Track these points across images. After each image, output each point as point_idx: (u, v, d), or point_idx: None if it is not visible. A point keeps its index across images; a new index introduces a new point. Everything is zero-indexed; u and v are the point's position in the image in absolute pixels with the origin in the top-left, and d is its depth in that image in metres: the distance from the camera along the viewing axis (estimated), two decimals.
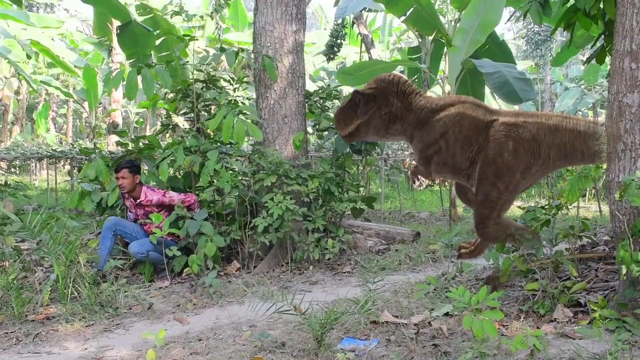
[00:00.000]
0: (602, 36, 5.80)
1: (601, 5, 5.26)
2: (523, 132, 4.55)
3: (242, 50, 6.65)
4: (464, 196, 5.21)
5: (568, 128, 4.50)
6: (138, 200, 6.45)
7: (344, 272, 6.49)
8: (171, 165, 6.42)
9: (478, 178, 4.54)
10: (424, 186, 16.22)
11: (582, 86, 33.60)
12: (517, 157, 4.45)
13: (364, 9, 13.08)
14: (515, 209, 7.77)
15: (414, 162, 5.35)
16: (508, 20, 9.55)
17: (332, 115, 7.64)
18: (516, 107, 17.77)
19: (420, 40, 12.69)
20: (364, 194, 9.35)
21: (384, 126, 4.86)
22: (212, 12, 13.23)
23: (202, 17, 16.99)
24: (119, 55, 17.86)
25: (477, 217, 4.61)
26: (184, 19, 8.70)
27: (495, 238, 4.66)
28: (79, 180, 7.03)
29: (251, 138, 6.94)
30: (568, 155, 4.53)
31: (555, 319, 4.38)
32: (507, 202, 4.62)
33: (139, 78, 6.60)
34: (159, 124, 8.62)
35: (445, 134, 4.62)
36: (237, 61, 6.66)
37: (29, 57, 16.64)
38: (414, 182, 5.67)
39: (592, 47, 6.27)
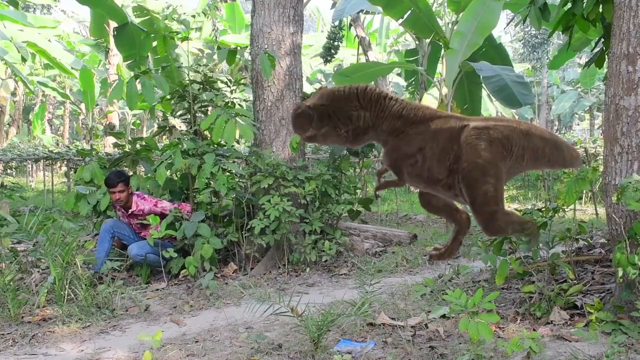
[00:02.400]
0: (601, 40, 5.81)
1: (600, 10, 5.28)
2: (494, 133, 4.55)
3: (240, 48, 6.63)
4: (429, 206, 5.11)
5: (537, 134, 4.54)
6: (130, 211, 6.40)
7: (341, 274, 6.49)
8: (169, 168, 6.41)
9: (467, 186, 4.50)
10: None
11: (579, 89, 33.71)
12: (492, 151, 4.45)
13: (362, 11, 13.10)
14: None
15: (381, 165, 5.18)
16: (507, 25, 9.57)
17: None
18: (513, 111, 17.80)
19: (417, 42, 12.72)
20: (360, 196, 9.35)
21: (349, 140, 4.54)
22: (205, 11, 13.22)
23: (194, 16, 16.95)
24: (115, 56, 17.87)
25: (484, 217, 4.52)
26: (176, 20, 8.69)
27: (504, 230, 4.59)
28: (75, 183, 7.01)
29: (248, 140, 6.92)
30: (538, 158, 4.56)
31: (551, 321, 4.39)
32: (502, 190, 4.62)
33: (138, 86, 6.58)
34: (156, 125, 8.65)
35: (422, 149, 4.55)
36: (234, 63, 6.64)
37: (24, 59, 16.61)
38: (376, 197, 5.43)
39: (592, 50, 6.28)
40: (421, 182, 4.79)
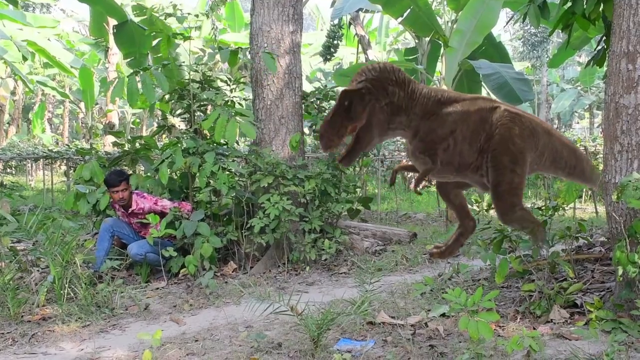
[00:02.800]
0: (603, 38, 5.80)
1: (601, 8, 5.27)
2: (526, 121, 4.53)
3: (241, 49, 6.62)
4: (445, 197, 5.10)
5: (557, 136, 4.54)
6: (130, 210, 6.38)
7: (341, 273, 6.49)
8: (170, 167, 6.40)
9: (495, 168, 4.44)
10: (421, 186, 16.23)
11: (579, 87, 33.70)
12: (524, 140, 4.41)
13: (361, 9, 13.09)
14: None
15: (405, 162, 5.16)
16: (507, 23, 9.56)
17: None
18: None
19: (417, 41, 12.69)
20: (360, 194, 9.35)
21: (387, 120, 4.50)
22: (207, 13, 13.21)
23: (197, 15, 16.93)
24: (115, 55, 17.86)
25: (504, 206, 4.47)
26: (177, 18, 8.67)
27: (520, 224, 4.55)
28: (74, 182, 6.99)
29: (248, 139, 6.91)
30: (556, 159, 4.54)
31: (551, 319, 4.39)
32: (525, 184, 4.60)
33: (139, 84, 6.57)
34: (156, 124, 8.62)
35: (454, 132, 4.52)
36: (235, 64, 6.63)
37: (24, 58, 16.61)
38: (392, 183, 5.38)
39: (595, 49, 6.27)
40: (452, 170, 4.75)
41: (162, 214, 6.28)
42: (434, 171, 4.67)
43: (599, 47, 6.02)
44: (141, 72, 6.51)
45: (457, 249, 4.92)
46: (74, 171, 12.50)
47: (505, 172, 4.46)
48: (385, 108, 4.40)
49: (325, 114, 7.61)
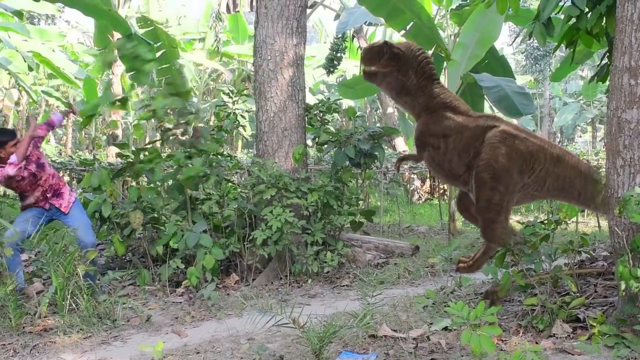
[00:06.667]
0: (606, 54, 5.81)
1: (604, 24, 5.29)
2: (519, 144, 4.59)
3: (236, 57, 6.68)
4: (466, 212, 5.21)
5: (570, 163, 4.56)
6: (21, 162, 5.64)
7: (343, 286, 6.48)
8: (172, 178, 6.41)
9: (476, 185, 4.57)
10: (424, 199, 16.23)
11: (581, 101, 33.74)
12: (511, 160, 4.52)
13: (365, 22, 13.14)
14: (514, 225, 7.77)
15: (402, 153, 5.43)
16: (513, 41, 9.58)
17: (331, 128, 7.66)
18: (515, 121, 17.80)
19: None
20: (363, 207, 9.34)
21: (396, 90, 4.94)
22: (212, 26, 13.28)
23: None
24: (119, 67, 17.91)
25: (483, 222, 4.61)
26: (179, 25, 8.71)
27: (502, 242, 4.64)
28: (82, 190, 6.97)
29: (251, 150, 6.93)
30: (565, 189, 4.58)
31: (554, 334, 4.37)
32: (510, 202, 4.64)
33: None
34: (158, 135, 8.64)
35: (447, 137, 4.68)
36: (237, 74, 6.66)
37: (30, 69, 16.68)
38: (397, 170, 5.77)
39: (599, 65, 6.28)
40: (442, 174, 4.92)
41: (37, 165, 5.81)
42: (417, 161, 5.04)
43: (603, 63, 6.04)
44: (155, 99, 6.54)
45: (485, 262, 4.96)
46: (77, 182, 12.53)
47: (485, 189, 4.53)
48: (398, 81, 4.80)
49: (329, 126, 7.64)
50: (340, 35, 14.59)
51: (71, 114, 6.76)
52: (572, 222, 9.74)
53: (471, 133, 4.66)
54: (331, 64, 15.06)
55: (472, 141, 4.65)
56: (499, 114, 8.93)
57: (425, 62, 4.87)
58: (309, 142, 7.97)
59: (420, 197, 16.31)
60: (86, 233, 5.91)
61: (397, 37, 22.36)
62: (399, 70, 4.80)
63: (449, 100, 4.83)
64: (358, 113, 10.43)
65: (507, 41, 35.35)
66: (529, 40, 6.20)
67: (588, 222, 11.51)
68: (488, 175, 4.52)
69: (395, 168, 5.37)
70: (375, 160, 7.53)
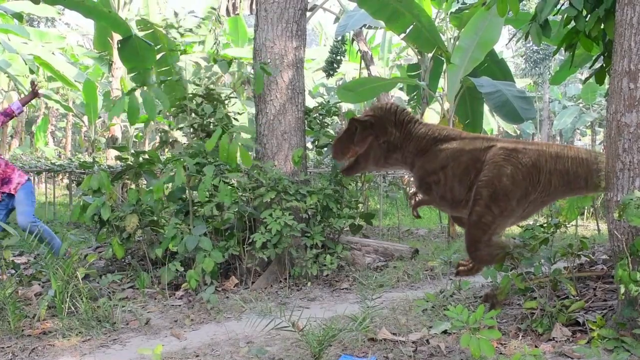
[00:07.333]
0: (602, 57, 5.83)
1: (602, 26, 5.30)
2: (523, 157, 4.57)
3: (236, 60, 6.68)
4: (458, 221, 5.23)
5: (570, 155, 4.54)
6: None
7: (342, 289, 6.48)
8: (171, 181, 6.39)
9: (474, 198, 4.54)
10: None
11: (581, 104, 33.75)
12: (515, 183, 4.47)
13: (364, 25, 13.15)
14: (514, 227, 7.78)
15: (414, 189, 5.41)
16: (509, 41, 9.60)
17: (331, 131, 7.66)
18: (515, 127, 17.80)
19: (419, 57, 12.74)
20: (362, 210, 9.34)
21: (383, 155, 4.86)
22: (212, 28, 13.28)
23: (197, 27, 16.95)
24: (119, 69, 17.91)
25: (468, 239, 4.62)
26: (178, 31, 8.68)
27: (486, 261, 4.68)
28: (82, 193, 6.96)
29: (251, 153, 6.92)
30: (571, 181, 4.54)
31: (553, 337, 4.37)
32: (500, 226, 4.61)
33: (139, 100, 6.60)
34: (158, 138, 8.64)
35: (445, 167, 4.67)
36: (237, 76, 6.68)
37: (31, 71, 16.69)
38: (415, 211, 5.71)
39: (590, 67, 6.29)
40: (447, 205, 4.88)
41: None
42: (430, 203, 4.99)
43: (597, 65, 6.05)
44: (142, 89, 6.52)
45: (483, 267, 4.95)
46: (77, 185, 12.52)
47: (481, 205, 4.51)
48: (383, 145, 4.80)
49: (328, 129, 7.65)
50: (340, 38, 14.60)
51: (35, 96, 6.72)
52: (572, 225, 9.75)
53: (470, 156, 4.64)
54: (331, 67, 15.06)
55: (472, 163, 4.63)
56: (499, 120, 8.93)
57: (398, 110, 4.86)
58: (309, 145, 7.98)
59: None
60: (23, 214, 5.89)
61: (396, 40, 22.41)
62: (377, 136, 4.79)
63: (437, 134, 4.81)
64: None
65: (507, 45, 35.37)
66: (525, 40, 6.19)
67: (587, 226, 11.52)
68: (487, 192, 4.51)
69: (415, 216, 5.44)
70: None
